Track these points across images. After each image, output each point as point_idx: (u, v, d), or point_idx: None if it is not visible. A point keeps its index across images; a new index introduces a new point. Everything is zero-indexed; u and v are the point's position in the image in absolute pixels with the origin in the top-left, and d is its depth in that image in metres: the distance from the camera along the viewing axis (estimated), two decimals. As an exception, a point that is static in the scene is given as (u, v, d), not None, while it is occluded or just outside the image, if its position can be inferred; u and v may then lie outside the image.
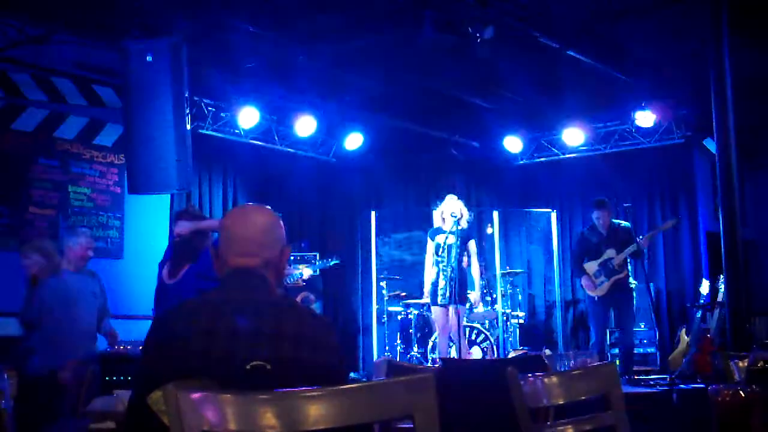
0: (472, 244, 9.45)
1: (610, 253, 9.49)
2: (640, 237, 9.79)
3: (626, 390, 7.83)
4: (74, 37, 8.12)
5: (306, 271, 9.58)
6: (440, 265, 9.19)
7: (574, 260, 10.14)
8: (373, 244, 11.50)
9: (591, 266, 9.58)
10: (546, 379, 2.77)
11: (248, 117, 10.41)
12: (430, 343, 10.58)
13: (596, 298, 9.57)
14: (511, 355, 10.58)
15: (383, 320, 11.32)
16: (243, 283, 2.69)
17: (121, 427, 4.63)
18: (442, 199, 9.61)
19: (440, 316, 9.25)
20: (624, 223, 9.73)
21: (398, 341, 11.16)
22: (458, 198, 9.52)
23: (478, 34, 8.00)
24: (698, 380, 8.40)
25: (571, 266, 10.90)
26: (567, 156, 12.43)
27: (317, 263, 9.92)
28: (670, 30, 8.22)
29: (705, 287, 9.65)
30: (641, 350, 10.77)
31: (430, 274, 9.42)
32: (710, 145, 10.06)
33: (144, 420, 2.42)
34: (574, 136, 11.78)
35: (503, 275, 11.40)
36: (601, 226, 9.68)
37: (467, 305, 9.51)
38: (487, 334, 10.49)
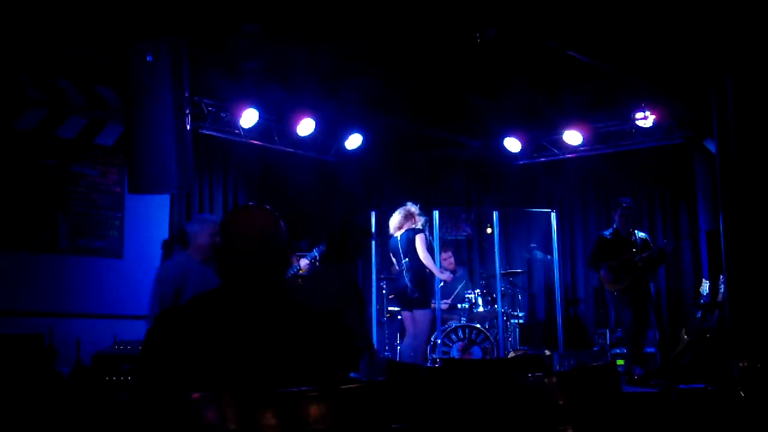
0: None
1: (631, 253, 9.61)
2: (665, 240, 10.04)
3: (626, 390, 7.85)
4: (75, 37, 8.12)
5: (302, 262, 9.58)
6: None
7: (591, 256, 10.22)
8: (372, 244, 11.48)
9: (611, 264, 9.69)
10: (546, 379, 2.77)
11: (248, 117, 10.41)
12: (430, 343, 10.60)
13: (615, 293, 9.71)
14: (511, 355, 10.58)
15: (383, 320, 11.31)
16: (243, 282, 2.69)
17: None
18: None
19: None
20: (642, 233, 9.92)
21: (398, 341, 11.15)
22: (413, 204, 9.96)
23: (478, 34, 8.02)
24: (698, 381, 8.40)
25: (588, 262, 10.96)
26: (567, 156, 12.42)
27: (314, 250, 9.88)
28: (670, 30, 8.21)
29: (705, 287, 9.65)
30: (641, 350, 10.78)
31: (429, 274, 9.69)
32: (710, 145, 10.05)
33: (144, 417, 2.42)
34: (574, 136, 11.77)
35: (503, 275, 11.39)
36: (622, 226, 9.79)
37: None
38: (487, 334, 10.49)
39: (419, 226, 9.72)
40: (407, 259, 9.44)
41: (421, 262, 9.49)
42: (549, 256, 11.75)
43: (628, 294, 9.65)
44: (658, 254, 9.81)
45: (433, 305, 10.07)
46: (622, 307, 9.80)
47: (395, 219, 9.75)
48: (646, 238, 9.97)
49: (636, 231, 9.86)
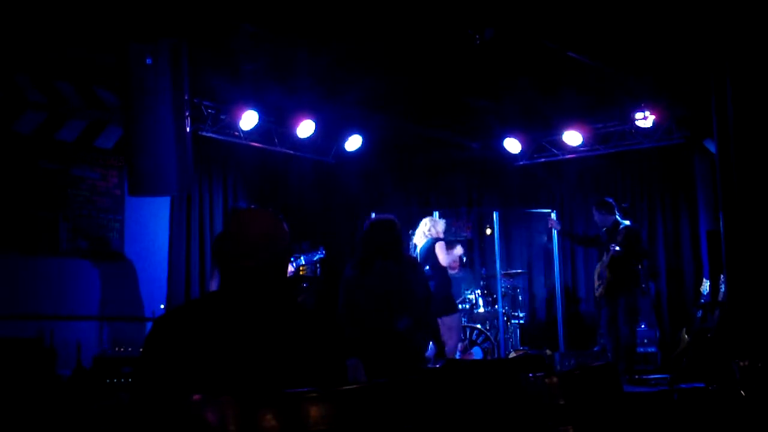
0: None
1: (605, 256, 9.65)
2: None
3: (627, 390, 7.86)
4: (74, 39, 8.12)
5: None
6: None
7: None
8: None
9: (597, 268, 9.76)
10: (547, 379, 2.77)
11: (248, 119, 10.40)
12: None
13: (597, 298, 9.81)
14: (512, 355, 10.58)
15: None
16: (244, 284, 2.70)
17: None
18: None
19: None
20: (624, 225, 9.73)
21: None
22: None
23: (477, 35, 8.02)
24: (699, 380, 8.41)
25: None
26: (567, 156, 12.43)
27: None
28: (669, 30, 8.22)
29: (705, 287, 9.66)
30: (642, 350, 10.78)
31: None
32: (710, 145, 10.06)
33: (144, 419, 2.42)
34: (573, 137, 11.77)
35: (503, 276, 11.40)
36: (600, 229, 9.84)
37: None
38: (488, 334, 10.50)
39: (441, 234, 9.61)
40: (428, 267, 9.33)
41: (442, 268, 9.34)
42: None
43: (604, 300, 9.71)
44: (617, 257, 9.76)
45: (458, 309, 10.02)
46: (600, 316, 9.93)
47: (419, 228, 9.62)
48: (624, 230, 9.75)
49: (622, 224, 9.78)
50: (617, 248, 9.49)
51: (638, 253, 9.66)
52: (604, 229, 9.93)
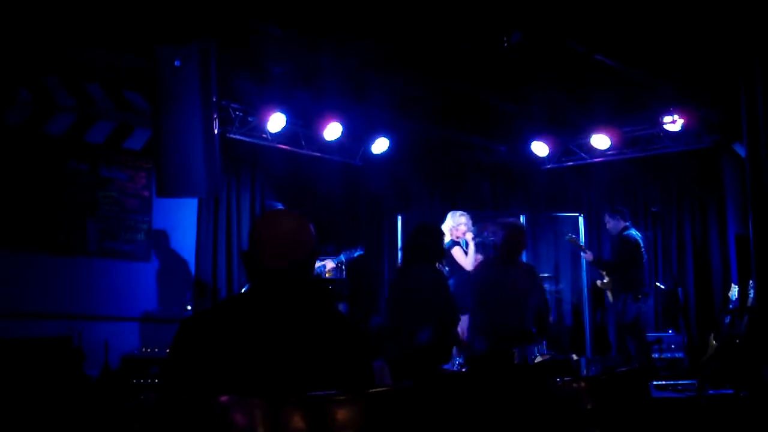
0: None
1: None
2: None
3: (654, 395, 7.81)
4: (104, 42, 8.18)
5: (329, 264, 9.51)
6: None
7: None
8: (399, 248, 11.46)
9: None
10: (575, 384, 2.76)
11: (276, 121, 10.43)
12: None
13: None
14: (538, 359, 10.53)
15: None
16: (271, 286, 2.71)
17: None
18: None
19: None
20: (624, 234, 9.98)
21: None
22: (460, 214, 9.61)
23: (505, 38, 8.01)
24: (728, 386, 8.34)
25: None
26: (595, 160, 12.36)
27: (342, 254, 9.80)
28: (698, 33, 8.17)
29: (734, 292, 9.58)
30: (669, 355, 10.70)
31: None
32: (739, 149, 9.98)
33: (172, 420, 2.43)
34: (601, 140, 11.70)
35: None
36: (612, 236, 10.12)
37: None
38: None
39: (461, 229, 9.44)
40: (447, 269, 9.25)
41: (461, 268, 9.25)
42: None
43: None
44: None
45: None
46: None
47: (445, 223, 9.46)
48: (620, 238, 10.05)
49: (626, 232, 9.98)
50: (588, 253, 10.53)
51: (621, 263, 9.98)
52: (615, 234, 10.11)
